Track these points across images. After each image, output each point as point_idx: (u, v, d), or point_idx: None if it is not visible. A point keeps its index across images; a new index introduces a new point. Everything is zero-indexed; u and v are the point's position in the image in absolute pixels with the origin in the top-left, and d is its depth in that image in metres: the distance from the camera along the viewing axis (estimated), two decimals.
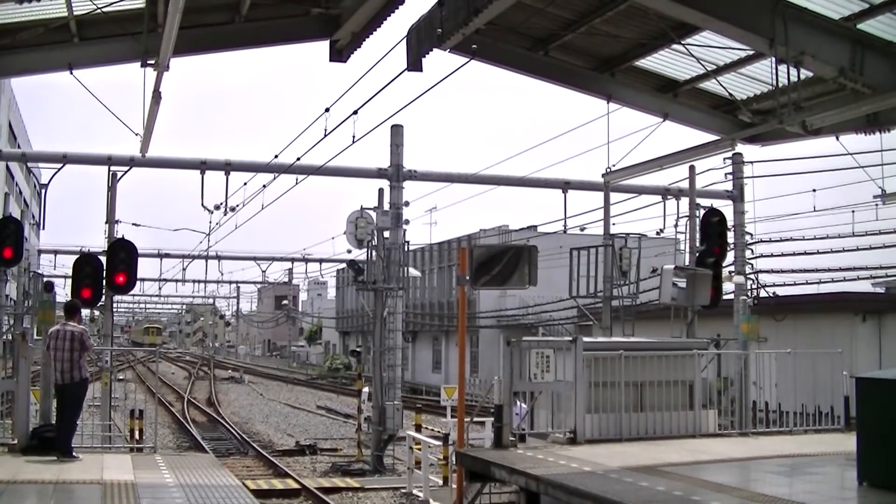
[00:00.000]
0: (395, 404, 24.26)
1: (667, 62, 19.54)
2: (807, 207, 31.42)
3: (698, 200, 22.61)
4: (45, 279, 28.00)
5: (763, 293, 28.44)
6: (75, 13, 16.37)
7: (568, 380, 15.39)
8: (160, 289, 65.30)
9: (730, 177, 25.03)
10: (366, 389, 27.44)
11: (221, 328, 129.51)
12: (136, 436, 18.00)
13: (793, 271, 33.62)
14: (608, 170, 22.05)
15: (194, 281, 60.13)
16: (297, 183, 23.93)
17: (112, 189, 22.12)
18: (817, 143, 19.58)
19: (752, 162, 25.24)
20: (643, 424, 15.79)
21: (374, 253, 24.74)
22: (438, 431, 25.12)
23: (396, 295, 24.82)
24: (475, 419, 20.61)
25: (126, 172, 22.30)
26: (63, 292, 36.49)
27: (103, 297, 21.04)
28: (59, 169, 21.94)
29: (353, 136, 18.15)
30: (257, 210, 25.31)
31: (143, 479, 12.91)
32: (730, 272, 24.03)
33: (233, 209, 23.75)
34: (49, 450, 14.57)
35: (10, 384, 16.43)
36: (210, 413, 42.12)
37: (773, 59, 13.55)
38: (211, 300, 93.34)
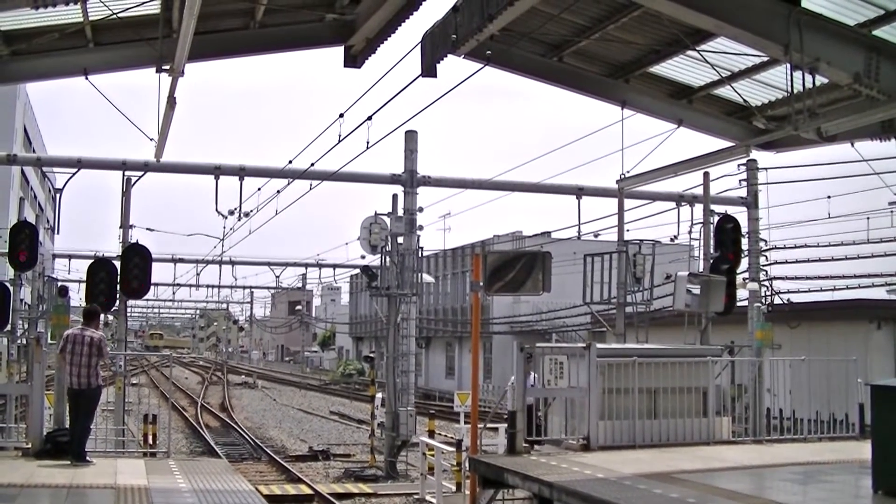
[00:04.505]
0: (408, 410, 24.24)
1: (681, 68, 19.52)
2: (822, 214, 31.41)
3: (712, 207, 22.54)
4: (59, 284, 28.06)
5: (777, 300, 28.33)
6: (90, 18, 16.44)
7: (581, 386, 15.37)
8: (174, 294, 65.40)
9: (744, 183, 24.90)
10: (379, 395, 27.42)
11: (235, 333, 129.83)
12: (150, 440, 18.01)
13: (807, 278, 33.47)
14: (622, 176, 22.02)
15: (208, 286, 60.11)
16: (311, 188, 23.95)
17: (126, 194, 22.17)
18: (832, 150, 19.48)
19: (766, 168, 25.15)
20: (657, 431, 15.75)
21: (387, 258, 24.73)
22: (452, 437, 25.08)
23: (410, 301, 24.80)
24: (488, 425, 20.56)
25: (140, 177, 22.34)
26: (77, 297, 36.65)
27: (117, 302, 21.12)
28: (74, 174, 21.98)
29: (368, 142, 18.15)
30: (271, 215, 25.27)
31: (157, 484, 12.94)
32: (744, 279, 23.93)
33: (247, 214, 23.74)
34: (63, 454, 14.61)
35: (25, 388, 16.51)
36: (223, 418, 42.16)
37: (788, 65, 13.49)
38: (224, 305, 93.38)
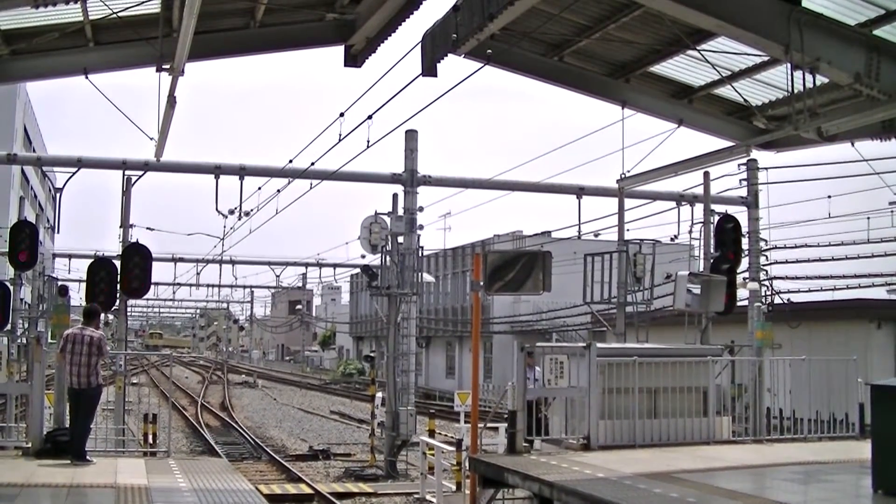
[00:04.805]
0: (408, 409, 24.23)
1: (681, 68, 19.51)
2: (822, 214, 31.40)
3: (713, 206, 22.54)
4: (59, 283, 28.05)
5: (777, 300, 28.32)
6: (91, 18, 16.43)
7: (582, 386, 15.36)
8: (174, 293, 65.42)
9: (744, 183, 24.91)
10: (379, 394, 27.41)
11: (235, 333, 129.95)
12: (150, 440, 18.01)
13: (808, 278, 33.49)
14: (623, 176, 22.03)
15: (208, 285, 60.09)
16: (311, 188, 23.95)
17: (126, 193, 22.15)
18: (833, 150, 19.48)
19: (766, 168, 25.16)
20: (657, 431, 15.74)
21: (388, 258, 24.71)
22: (452, 437, 25.08)
23: (410, 300, 24.78)
24: (488, 425, 20.56)
25: (141, 177, 22.33)
26: (77, 296, 36.64)
27: (118, 301, 21.11)
28: (74, 173, 21.97)
29: (368, 141, 18.16)
30: (272, 215, 25.30)
31: (157, 484, 12.94)
32: (744, 279, 23.94)
33: (247, 214, 23.73)
34: (63, 453, 14.61)
35: (25, 388, 16.51)
36: (223, 417, 42.16)
37: (789, 65, 13.49)
38: (225, 304, 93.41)
